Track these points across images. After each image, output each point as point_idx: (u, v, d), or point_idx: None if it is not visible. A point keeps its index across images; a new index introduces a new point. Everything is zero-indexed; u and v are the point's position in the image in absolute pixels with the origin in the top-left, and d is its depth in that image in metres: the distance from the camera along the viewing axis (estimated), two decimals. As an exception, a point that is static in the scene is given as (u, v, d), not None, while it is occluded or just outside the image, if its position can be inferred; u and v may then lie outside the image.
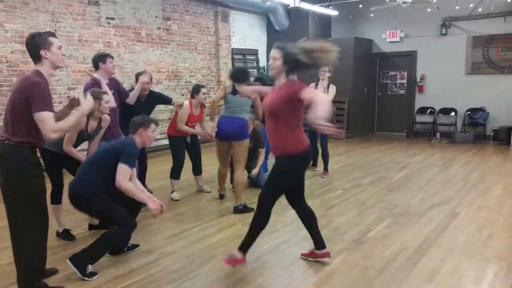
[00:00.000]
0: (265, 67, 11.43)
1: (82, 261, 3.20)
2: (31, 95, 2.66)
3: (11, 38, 6.34)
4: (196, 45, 9.45)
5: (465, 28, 9.83)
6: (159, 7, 8.57)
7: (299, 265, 3.46)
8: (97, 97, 3.72)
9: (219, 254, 3.65)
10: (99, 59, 4.35)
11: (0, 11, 6.19)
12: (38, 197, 2.84)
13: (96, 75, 4.32)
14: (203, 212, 4.81)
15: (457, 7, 9.28)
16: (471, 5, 9.42)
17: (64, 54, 2.98)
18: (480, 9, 9.39)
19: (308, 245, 3.86)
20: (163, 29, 8.69)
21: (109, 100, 3.91)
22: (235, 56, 10.47)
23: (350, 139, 10.35)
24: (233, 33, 10.42)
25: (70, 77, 7.13)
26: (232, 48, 10.34)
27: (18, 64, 6.44)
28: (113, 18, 7.74)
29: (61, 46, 2.89)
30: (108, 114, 4.01)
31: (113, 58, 4.45)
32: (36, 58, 2.79)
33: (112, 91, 4.29)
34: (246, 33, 10.87)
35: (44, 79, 2.76)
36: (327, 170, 6.51)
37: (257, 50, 11.13)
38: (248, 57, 10.88)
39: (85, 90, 4.15)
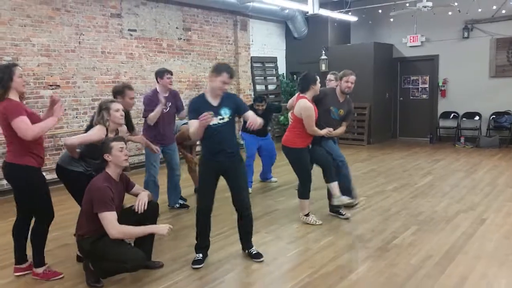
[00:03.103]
0: (284, 75, 11.47)
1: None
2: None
3: (37, 52, 6.53)
4: (216, 54, 9.55)
5: (488, 30, 9.65)
6: (179, 18, 8.71)
7: (324, 273, 3.43)
8: (106, 107, 3.58)
9: (243, 262, 3.66)
10: (158, 74, 4.87)
11: (27, 26, 6.40)
12: None
13: (157, 87, 4.90)
14: (226, 219, 4.81)
15: (479, 10, 9.12)
16: (494, 7, 9.26)
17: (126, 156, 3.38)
18: (503, 11, 9.21)
19: (331, 250, 3.84)
20: (184, 39, 8.82)
21: (120, 108, 3.68)
22: (254, 64, 10.53)
23: (372, 145, 10.24)
24: (252, 41, 10.49)
25: (94, 88, 7.29)
26: (251, 57, 10.41)
27: (44, 77, 6.63)
28: (135, 30, 7.90)
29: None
30: (157, 122, 4.30)
31: (171, 74, 4.92)
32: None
33: (170, 103, 4.90)
34: (265, 41, 10.92)
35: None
36: None
37: (276, 57, 11.17)
38: (267, 65, 10.94)
39: (144, 100, 4.80)
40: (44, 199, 3.31)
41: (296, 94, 4.57)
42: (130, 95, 4.14)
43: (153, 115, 4.75)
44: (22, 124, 3.03)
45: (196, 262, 3.63)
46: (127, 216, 3.29)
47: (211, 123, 3.40)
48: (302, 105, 4.31)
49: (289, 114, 4.69)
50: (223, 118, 3.50)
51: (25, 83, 3.29)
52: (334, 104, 4.59)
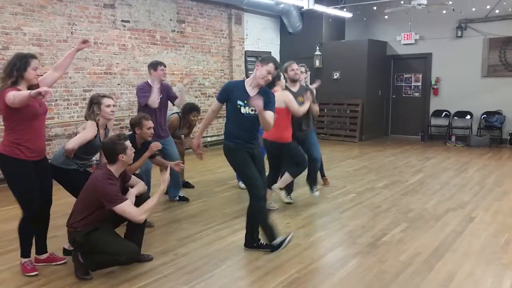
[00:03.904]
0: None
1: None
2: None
3: (28, 41, 6.44)
4: (209, 47, 9.50)
5: (481, 30, 9.71)
6: (173, 10, 8.63)
7: (313, 269, 3.44)
8: (97, 102, 3.59)
9: (232, 256, 3.66)
10: (151, 67, 4.84)
11: (18, 15, 6.31)
12: None
13: (149, 80, 4.86)
14: (216, 214, 4.82)
15: (473, 9, 9.17)
16: (488, 6, 9.30)
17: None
18: (497, 11, 9.26)
19: (321, 246, 3.85)
20: (178, 31, 8.75)
21: (111, 103, 3.65)
22: (248, 59, 10.49)
23: (364, 142, 10.28)
24: (246, 35, 10.45)
25: (85, 79, 7.22)
26: (245, 51, 10.37)
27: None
28: (128, 21, 7.82)
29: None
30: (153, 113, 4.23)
31: (165, 66, 4.88)
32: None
33: (161, 95, 4.83)
34: (259, 35, 10.89)
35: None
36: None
37: (270, 52, 11.13)
38: (261, 59, 10.89)
39: (137, 90, 4.83)
40: (25, 193, 3.22)
41: None
42: (148, 125, 4.11)
43: (153, 97, 4.71)
44: (9, 95, 2.97)
45: (286, 240, 3.69)
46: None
47: (242, 111, 3.54)
48: (280, 94, 4.51)
49: None
50: (254, 110, 3.55)
51: (37, 76, 3.22)
52: None
